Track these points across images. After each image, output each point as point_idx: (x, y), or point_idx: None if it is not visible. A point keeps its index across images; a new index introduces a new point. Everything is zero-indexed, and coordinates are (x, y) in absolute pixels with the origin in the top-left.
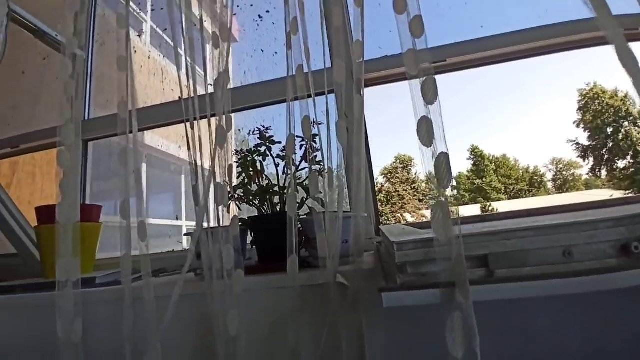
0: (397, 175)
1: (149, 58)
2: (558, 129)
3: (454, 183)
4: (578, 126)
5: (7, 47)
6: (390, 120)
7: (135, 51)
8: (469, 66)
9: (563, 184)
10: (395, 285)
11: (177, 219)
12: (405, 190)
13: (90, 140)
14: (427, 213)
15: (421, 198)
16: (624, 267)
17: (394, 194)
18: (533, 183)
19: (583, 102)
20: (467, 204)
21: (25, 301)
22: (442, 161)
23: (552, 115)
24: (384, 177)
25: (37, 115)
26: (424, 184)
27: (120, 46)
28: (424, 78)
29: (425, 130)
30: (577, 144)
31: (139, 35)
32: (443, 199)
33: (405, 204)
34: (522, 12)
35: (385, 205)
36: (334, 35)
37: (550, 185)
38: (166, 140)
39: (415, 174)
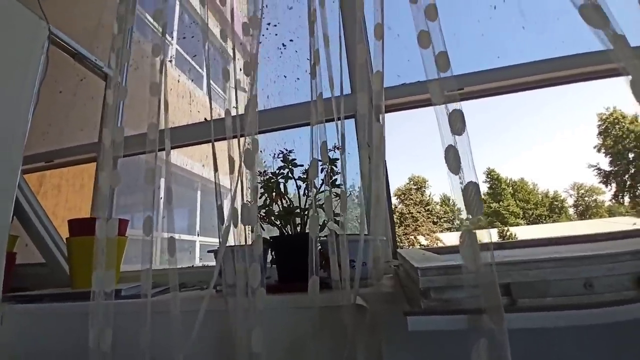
0: (411, 197)
1: (178, 82)
2: (578, 153)
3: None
4: (599, 151)
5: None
6: (404, 141)
7: (166, 75)
8: (486, 94)
9: (585, 210)
10: (419, 309)
11: (197, 233)
12: (419, 212)
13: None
14: (442, 236)
15: (435, 220)
16: None
17: (407, 215)
18: (553, 208)
19: (603, 127)
20: (483, 228)
21: (54, 310)
22: (472, 190)
23: (571, 139)
24: (397, 199)
25: (67, 132)
26: (438, 206)
27: (153, 73)
28: (452, 110)
29: (453, 158)
30: (599, 169)
31: (170, 61)
32: (473, 229)
33: (419, 226)
34: (539, 43)
35: (399, 227)
36: (358, 70)
37: (571, 211)
38: (182, 155)
39: (430, 196)
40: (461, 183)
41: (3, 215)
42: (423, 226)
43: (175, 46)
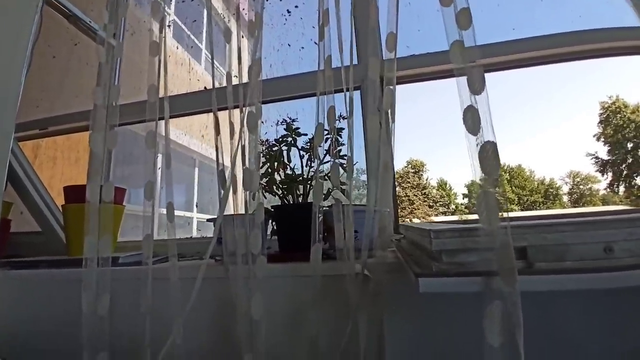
0: (408, 180)
1: (177, 48)
2: (577, 141)
3: (466, 191)
4: (598, 139)
5: (41, 31)
6: (403, 124)
7: (165, 44)
8: (500, 68)
9: (579, 198)
10: (431, 271)
11: (195, 205)
12: (416, 196)
13: (116, 126)
14: (437, 220)
15: (431, 204)
16: None
17: (404, 198)
18: (548, 195)
19: (605, 115)
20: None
21: (50, 276)
22: (489, 150)
23: (571, 127)
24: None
25: (62, 99)
26: (434, 190)
27: (153, 33)
28: (471, 68)
29: (471, 119)
30: (597, 157)
31: (169, 26)
32: (490, 189)
33: (415, 209)
34: (555, 16)
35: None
36: (369, 34)
37: (565, 198)
38: (180, 131)
39: (427, 180)
40: (478, 144)
41: None
42: (419, 209)
43: (173, 16)
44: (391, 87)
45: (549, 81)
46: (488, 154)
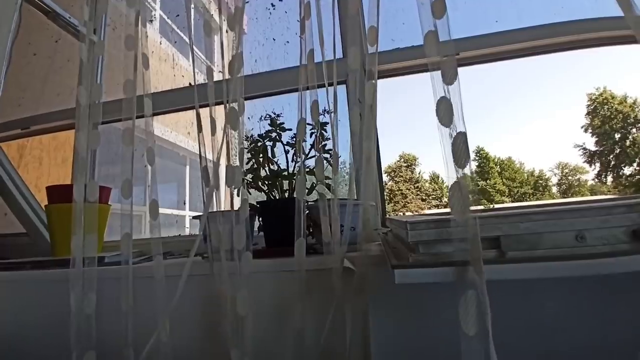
0: (401, 174)
1: (160, 44)
2: (565, 133)
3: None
4: (586, 131)
5: (20, 28)
6: (394, 118)
7: (147, 36)
8: (483, 61)
9: (568, 189)
10: (407, 263)
11: (184, 203)
12: (409, 189)
13: (98, 124)
14: (428, 212)
15: (424, 198)
16: (636, 251)
17: (396, 192)
18: (537, 187)
19: (592, 107)
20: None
21: (36, 277)
22: (460, 141)
23: (559, 119)
24: (387, 176)
25: (45, 98)
26: (427, 184)
27: (129, 25)
28: (445, 58)
29: (444, 111)
30: (584, 149)
31: (150, 21)
32: (461, 179)
33: (408, 203)
34: (538, 8)
35: (389, 204)
36: (348, 23)
37: (555, 189)
38: (166, 128)
39: (419, 173)
40: (451, 135)
41: None
42: (412, 203)
43: (157, 11)
44: (373, 81)
45: (536, 73)
46: (460, 145)
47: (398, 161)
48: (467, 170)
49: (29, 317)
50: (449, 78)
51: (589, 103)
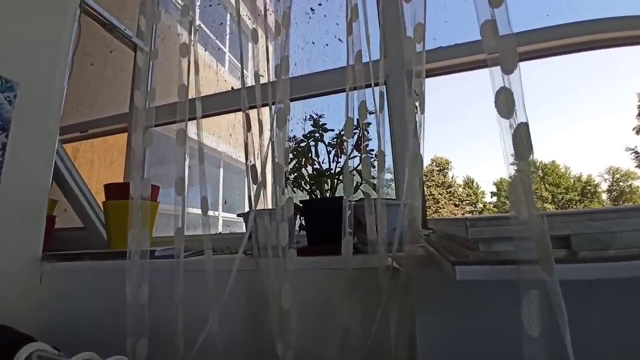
0: (433, 179)
1: (205, 51)
2: (616, 135)
3: (495, 190)
4: (638, 133)
5: (80, 39)
6: (427, 121)
7: (193, 44)
8: (533, 57)
9: (619, 196)
10: (468, 259)
11: (224, 202)
12: (441, 194)
13: (151, 127)
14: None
15: (457, 203)
16: None
17: (428, 197)
18: (585, 193)
19: None
20: (508, 212)
21: (95, 267)
22: (522, 131)
23: (609, 120)
24: None
25: (100, 104)
26: (460, 189)
27: (179, 35)
28: (503, 46)
29: (505, 102)
30: (637, 152)
31: (197, 30)
32: (524, 173)
33: (440, 208)
34: (591, 1)
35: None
36: (392, 24)
37: (604, 196)
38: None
39: (452, 178)
40: (511, 126)
41: (43, 179)
42: (444, 208)
43: (197, 21)
44: (420, 79)
45: (583, 72)
46: (522, 136)
47: (430, 165)
48: (530, 164)
49: (87, 304)
50: (509, 66)
51: (639, 103)
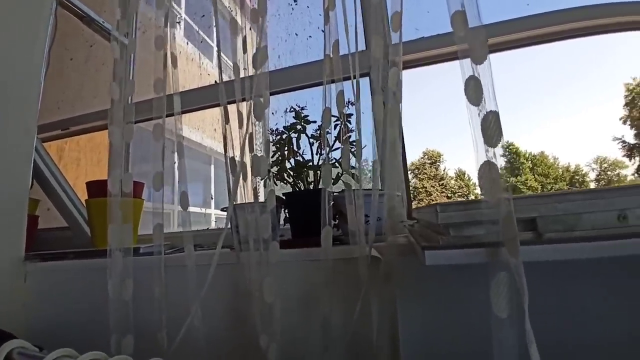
0: (425, 171)
1: (187, 44)
2: (603, 125)
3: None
4: (624, 123)
5: (57, 33)
6: (418, 114)
7: (175, 37)
8: (512, 46)
9: (607, 185)
10: (437, 244)
11: (211, 198)
12: (433, 187)
13: (132, 121)
14: None
15: (449, 195)
16: None
17: (421, 189)
18: (574, 183)
19: (630, 98)
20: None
21: (78, 266)
22: (491, 119)
23: (596, 110)
24: (411, 173)
25: (81, 100)
26: (452, 181)
27: (157, 27)
28: (472, 37)
29: (473, 89)
30: (624, 142)
31: (178, 23)
32: (492, 158)
33: (432, 201)
34: None
35: (412, 202)
36: (372, 12)
37: (592, 185)
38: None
39: (444, 170)
40: (479, 114)
41: (22, 178)
42: (437, 201)
43: (183, 15)
44: (395, 67)
45: (570, 63)
46: (490, 124)
47: (422, 158)
48: (498, 150)
49: (72, 303)
50: (478, 58)
51: (626, 94)
